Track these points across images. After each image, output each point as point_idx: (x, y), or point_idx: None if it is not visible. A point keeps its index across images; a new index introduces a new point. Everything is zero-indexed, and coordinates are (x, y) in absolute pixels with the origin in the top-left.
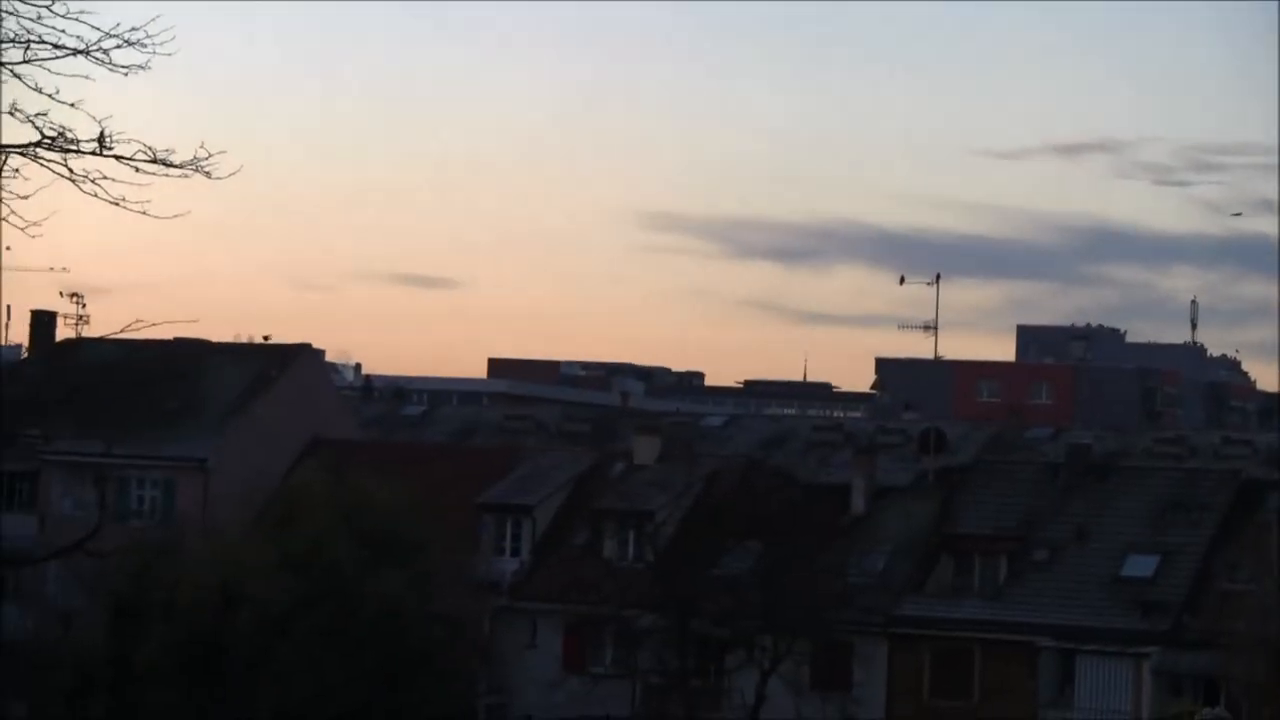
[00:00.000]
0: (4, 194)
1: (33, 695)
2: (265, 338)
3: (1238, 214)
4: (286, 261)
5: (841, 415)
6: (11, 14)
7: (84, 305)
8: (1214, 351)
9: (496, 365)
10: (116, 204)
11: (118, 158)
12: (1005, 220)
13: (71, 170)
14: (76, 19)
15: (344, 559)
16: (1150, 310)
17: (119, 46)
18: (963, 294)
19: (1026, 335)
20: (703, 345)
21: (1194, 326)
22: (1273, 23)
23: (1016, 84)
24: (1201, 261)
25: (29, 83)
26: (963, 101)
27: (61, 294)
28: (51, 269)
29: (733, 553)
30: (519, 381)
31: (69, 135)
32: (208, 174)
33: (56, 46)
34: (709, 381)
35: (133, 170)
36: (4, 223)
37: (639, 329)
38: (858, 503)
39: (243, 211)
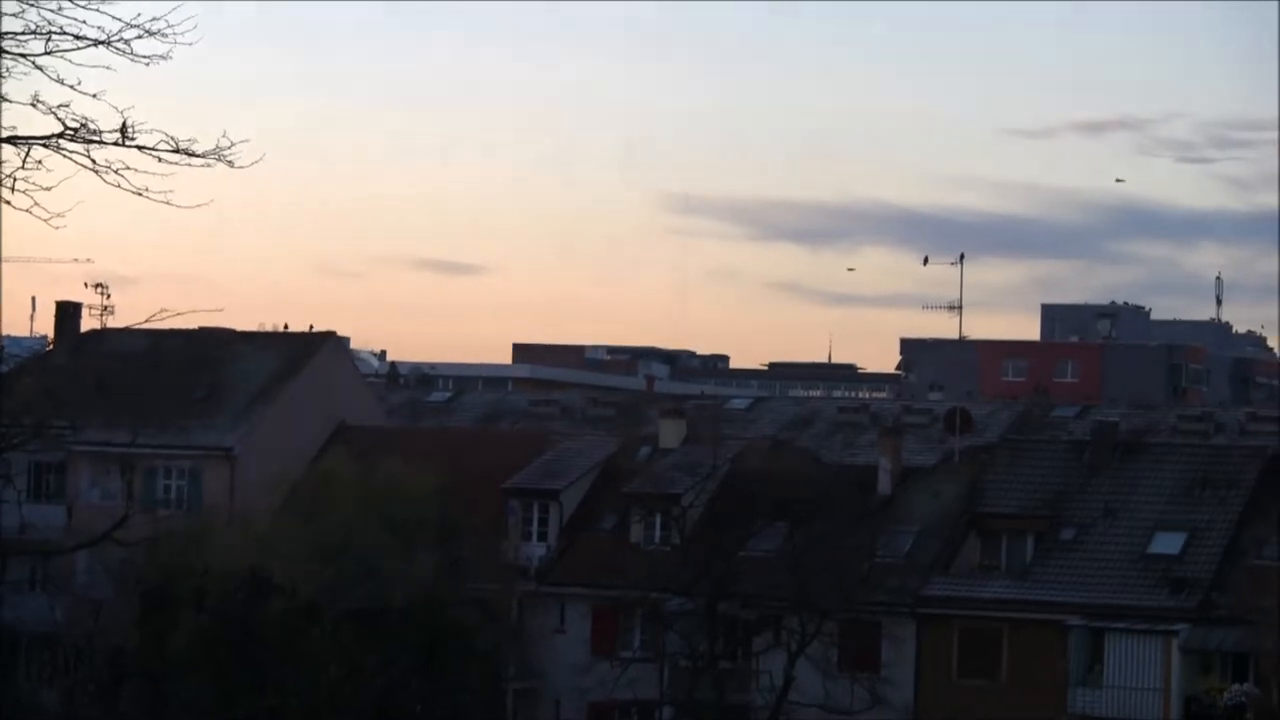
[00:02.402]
0: (28, 186)
1: (64, 685)
2: (285, 325)
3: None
4: (310, 250)
5: (867, 396)
6: (33, 5)
7: (109, 295)
8: (1239, 328)
9: (521, 350)
10: (139, 194)
11: (140, 148)
12: (1029, 199)
13: (94, 161)
14: (97, 10)
15: (373, 545)
16: (1175, 287)
17: (140, 37)
18: (987, 273)
19: (1051, 314)
20: (727, 328)
21: (1219, 303)
22: None
23: (1040, 62)
24: (1226, 238)
25: (51, 74)
26: (986, 81)
27: (86, 284)
28: (75, 260)
29: (760, 535)
30: (544, 366)
31: (91, 126)
32: (230, 163)
33: (78, 38)
34: (734, 364)
35: (155, 160)
36: (28, 214)
37: (663, 312)
38: (884, 483)
39: (266, 200)
